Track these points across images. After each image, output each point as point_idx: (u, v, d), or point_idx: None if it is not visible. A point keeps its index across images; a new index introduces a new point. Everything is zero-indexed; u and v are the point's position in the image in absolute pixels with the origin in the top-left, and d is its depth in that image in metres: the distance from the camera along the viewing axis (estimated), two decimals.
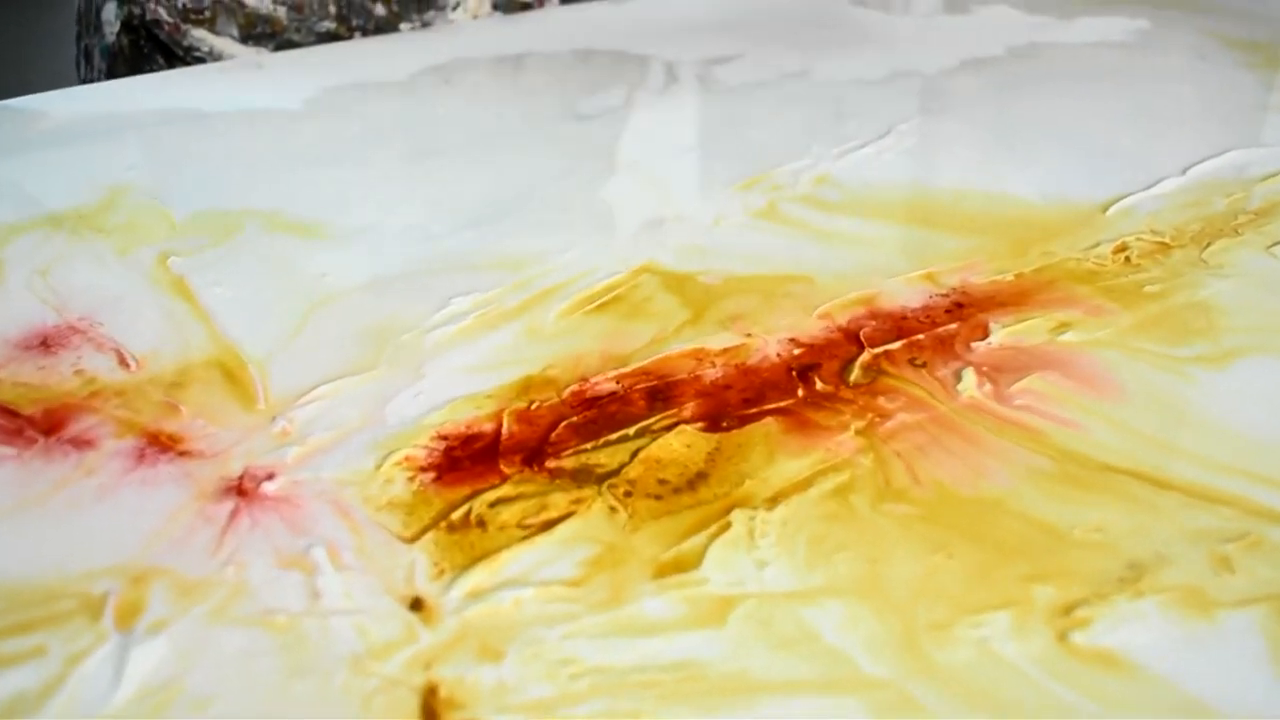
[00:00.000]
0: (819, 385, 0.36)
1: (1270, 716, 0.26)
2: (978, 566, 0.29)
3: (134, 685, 0.26)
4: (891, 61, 0.60)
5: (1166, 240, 0.43)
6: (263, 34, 0.65)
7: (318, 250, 0.43)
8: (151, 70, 0.66)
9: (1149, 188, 0.47)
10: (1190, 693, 0.26)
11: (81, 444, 0.34)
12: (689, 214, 0.46)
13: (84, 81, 0.71)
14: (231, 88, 0.58)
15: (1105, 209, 0.45)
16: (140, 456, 0.33)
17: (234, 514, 0.31)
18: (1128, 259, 0.42)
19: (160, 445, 0.34)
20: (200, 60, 0.64)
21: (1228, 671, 0.27)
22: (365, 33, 0.67)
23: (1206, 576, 0.29)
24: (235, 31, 0.65)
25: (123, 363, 0.37)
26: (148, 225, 0.45)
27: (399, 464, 0.33)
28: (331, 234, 0.45)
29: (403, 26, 0.68)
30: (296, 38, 0.66)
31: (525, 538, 0.30)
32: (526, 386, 0.36)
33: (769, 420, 0.34)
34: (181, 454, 0.33)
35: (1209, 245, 0.42)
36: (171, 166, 0.50)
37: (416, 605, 0.29)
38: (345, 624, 0.28)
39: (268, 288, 0.41)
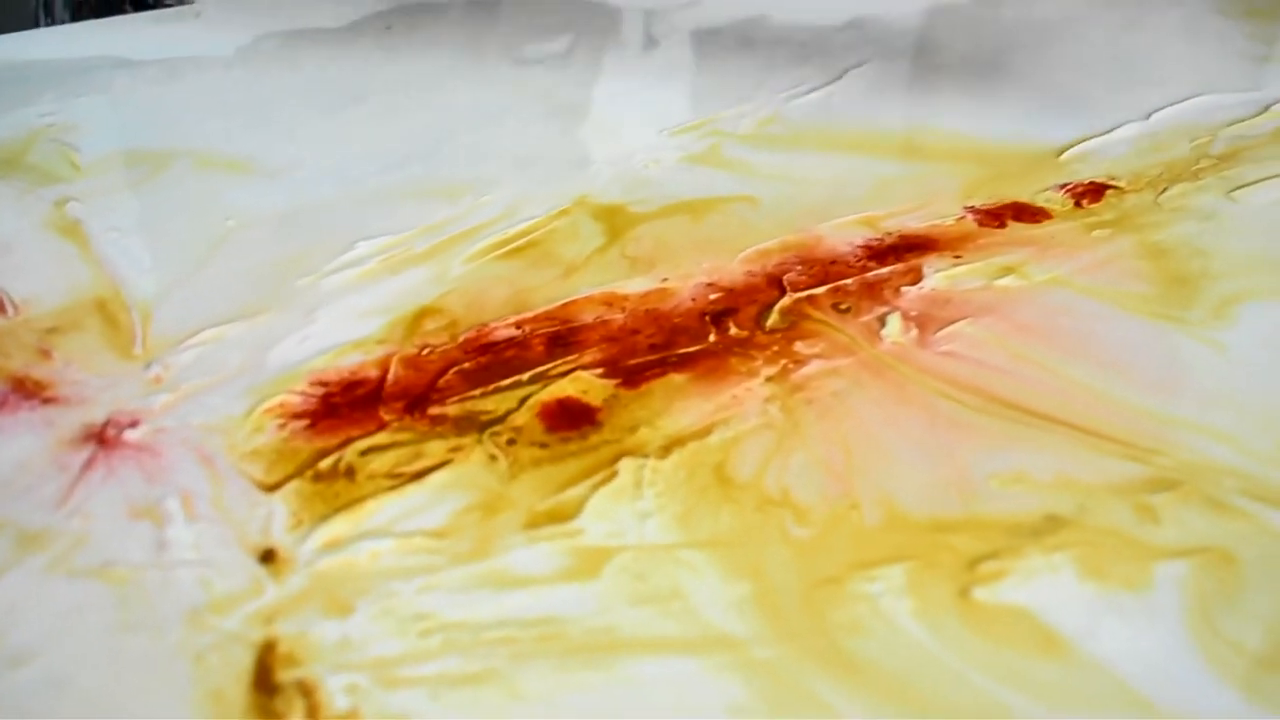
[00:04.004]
0: (733, 330, 0.34)
1: (1171, 679, 0.23)
2: (882, 517, 0.27)
3: None
4: (854, 6, 0.57)
5: (1122, 185, 0.40)
6: None
7: (227, 192, 0.41)
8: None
9: (1109, 132, 0.44)
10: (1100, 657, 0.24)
11: None
12: (623, 156, 0.44)
13: None
14: (165, 36, 0.56)
15: (1061, 153, 0.43)
16: (1, 404, 0.31)
17: (89, 463, 0.29)
18: (1078, 202, 0.39)
19: (25, 392, 0.32)
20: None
21: (1143, 633, 0.24)
22: None
23: (1130, 528, 0.27)
24: None
25: (0, 308, 0.35)
26: (55, 169, 0.43)
27: (270, 410, 0.31)
28: (246, 175, 0.42)
29: None
30: None
31: (394, 487, 0.28)
32: (418, 325, 0.34)
33: (675, 366, 0.32)
34: (46, 401, 0.31)
35: (1165, 190, 0.40)
36: (90, 112, 0.48)
37: (268, 557, 0.26)
38: (189, 576, 0.26)
39: (168, 232, 0.39)
